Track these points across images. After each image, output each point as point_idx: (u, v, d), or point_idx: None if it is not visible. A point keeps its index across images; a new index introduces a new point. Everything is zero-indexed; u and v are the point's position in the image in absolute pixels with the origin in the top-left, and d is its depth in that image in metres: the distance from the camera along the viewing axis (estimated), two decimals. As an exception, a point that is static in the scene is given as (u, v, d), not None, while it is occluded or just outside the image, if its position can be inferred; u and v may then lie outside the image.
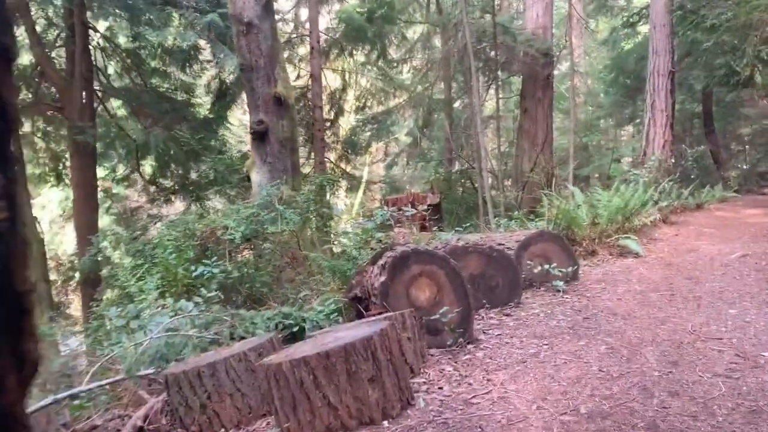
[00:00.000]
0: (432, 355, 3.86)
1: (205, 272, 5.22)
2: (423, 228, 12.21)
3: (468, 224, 14.78)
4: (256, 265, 6.42)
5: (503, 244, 6.45)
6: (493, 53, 18.46)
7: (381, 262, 4.18)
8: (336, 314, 4.57)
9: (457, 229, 8.04)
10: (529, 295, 5.73)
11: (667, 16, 13.01)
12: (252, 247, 6.75)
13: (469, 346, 3.98)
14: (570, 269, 6.06)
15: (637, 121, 21.61)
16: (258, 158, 8.41)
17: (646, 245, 7.77)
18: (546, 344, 3.97)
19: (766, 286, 5.42)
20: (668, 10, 12.99)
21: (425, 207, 8.89)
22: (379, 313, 3.91)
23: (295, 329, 4.45)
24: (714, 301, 5.04)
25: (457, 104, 21.12)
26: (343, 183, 19.24)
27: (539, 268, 5.96)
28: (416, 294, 4.03)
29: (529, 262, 6.03)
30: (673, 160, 12.76)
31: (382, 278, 4.00)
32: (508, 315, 4.84)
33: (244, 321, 4.40)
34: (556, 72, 21.62)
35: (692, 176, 13.83)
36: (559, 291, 5.78)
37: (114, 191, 16.82)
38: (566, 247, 6.30)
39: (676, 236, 8.56)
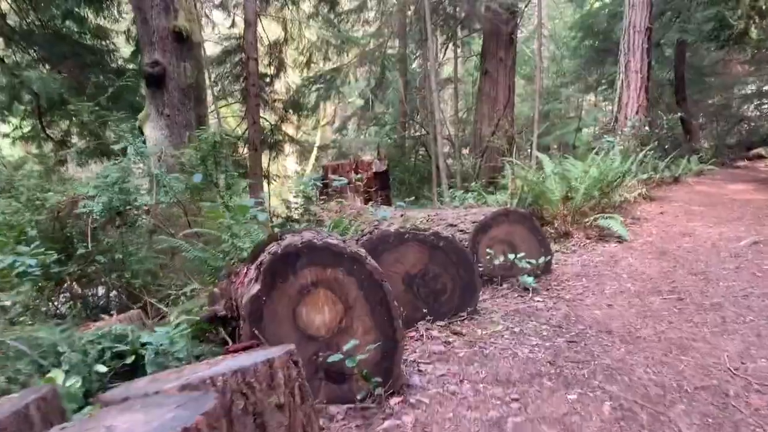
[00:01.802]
0: (331, 421, 2.32)
1: (16, 264, 3.53)
2: (368, 200, 10.68)
3: (420, 196, 13.29)
4: (125, 249, 4.73)
5: (455, 225, 4.93)
6: (451, 8, 16.88)
7: (261, 259, 2.59)
8: (195, 334, 2.98)
9: (399, 204, 6.52)
10: (489, 296, 4.24)
11: (646, -36, 11.55)
12: (124, 223, 5.05)
13: (393, 402, 2.45)
14: (541, 259, 4.59)
15: (603, 88, 20.32)
16: (153, 109, 6.66)
17: (629, 226, 6.38)
18: (516, 399, 2.46)
19: (803, 288, 4.06)
20: (648, -42, 11.52)
21: (358, 176, 7.28)
22: (247, 348, 2.34)
23: (130, 359, 2.85)
24: (742, 312, 3.63)
25: (414, 65, 19.47)
26: (288, 147, 17.47)
27: (502, 258, 4.47)
28: (309, 316, 2.46)
29: (488, 250, 4.52)
30: (647, 128, 11.43)
31: (254, 289, 2.42)
32: (458, 334, 3.32)
33: (40, 347, 2.78)
34: (519, 35, 20.12)
35: (666, 146, 12.61)
36: (527, 290, 4.31)
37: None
38: (536, 231, 4.82)
39: (662, 215, 7.21)
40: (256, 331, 2.39)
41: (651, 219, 6.89)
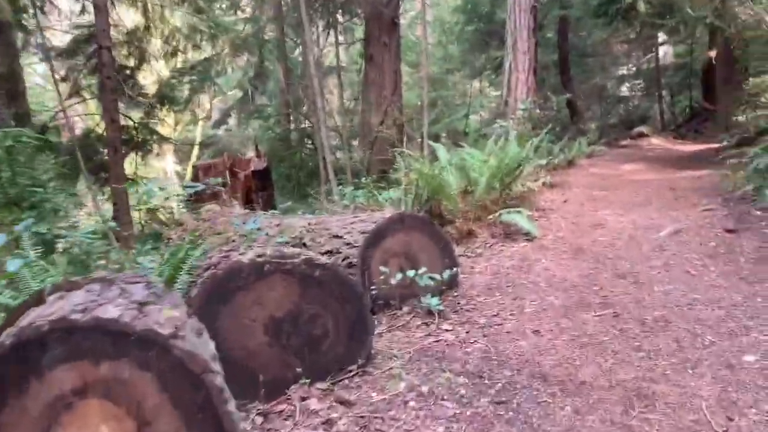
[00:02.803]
0: None
1: None
2: (248, 201, 9.51)
3: (307, 194, 12.23)
4: None
5: (341, 237, 3.98)
6: (330, -9, 15.94)
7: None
8: None
9: (273, 211, 5.50)
10: (386, 327, 3.33)
11: (529, -60, 11.10)
12: None
13: None
14: (446, 273, 3.74)
15: (488, 72, 20.10)
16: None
17: (536, 220, 5.71)
18: None
19: (749, 288, 3.45)
20: (530, -67, 11.09)
21: (221, 178, 6.24)
22: None
23: None
24: (695, 329, 2.94)
25: (296, 52, 18.33)
26: (160, 146, 15.79)
27: (399, 275, 3.56)
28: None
29: (382, 268, 3.60)
30: (538, 111, 11.04)
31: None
32: (345, 403, 2.37)
33: None
34: (403, 20, 19.46)
35: (557, 129, 12.34)
36: (432, 314, 3.44)
37: None
38: (438, 237, 3.96)
39: (566, 203, 6.63)
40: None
41: (556, 209, 6.28)
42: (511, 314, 3.38)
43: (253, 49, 17.26)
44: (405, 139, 14.59)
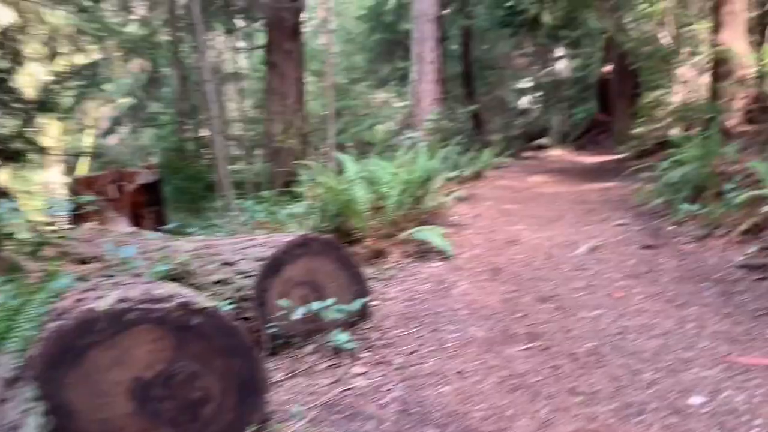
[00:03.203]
0: None
1: None
2: (137, 217, 8.65)
3: (203, 209, 11.42)
4: None
5: (234, 264, 3.44)
6: (229, -6, 15.23)
7: None
8: None
9: (161, 230, 4.86)
10: (286, 373, 2.83)
11: (433, -52, 10.97)
12: None
13: None
14: (357, 303, 3.29)
15: (394, 83, 19.95)
16: None
17: (450, 236, 5.38)
18: None
19: (678, 312, 3.22)
20: (434, -59, 10.96)
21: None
22: None
23: None
24: (631, 364, 2.64)
25: (193, 57, 17.37)
26: (39, 157, 14.37)
27: (302, 309, 3.07)
28: None
29: (282, 302, 3.09)
30: (445, 121, 10.89)
31: None
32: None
33: None
34: (306, 29, 18.96)
35: (464, 140, 12.25)
36: (339, 352, 2.98)
37: None
38: (347, 262, 3.50)
39: (478, 217, 6.38)
40: None
41: (469, 224, 6.00)
42: (430, 350, 2.98)
43: (146, 54, 16.23)
44: (310, 149, 14.12)
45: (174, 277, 3.83)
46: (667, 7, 9.65)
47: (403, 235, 5.01)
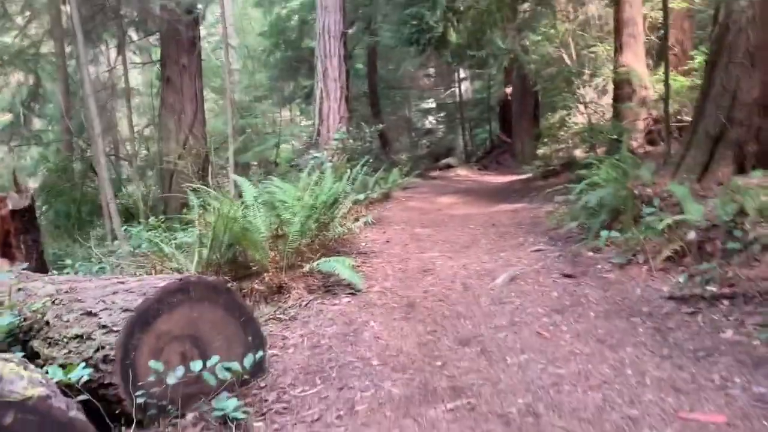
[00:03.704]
0: None
1: None
2: (7, 247, 7.60)
3: (85, 237, 10.36)
4: None
5: (97, 314, 2.80)
6: (120, 4, 14.20)
7: None
8: None
9: (11, 269, 4.10)
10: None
11: (337, -37, 10.61)
12: None
13: None
14: (249, 359, 2.74)
15: (299, 101, 19.41)
16: None
17: (360, 267, 4.92)
18: None
19: (613, 354, 2.90)
20: (338, -46, 10.61)
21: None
22: None
23: None
24: (574, 428, 2.25)
25: (79, 71, 16.06)
26: None
27: (179, 371, 2.48)
28: None
29: (153, 364, 2.49)
30: (352, 141, 10.49)
31: None
32: None
33: None
34: (206, 45, 18.09)
35: (371, 160, 11.88)
36: (227, 422, 2.42)
37: None
38: (239, 308, 2.95)
39: (389, 244, 5.96)
40: None
41: (380, 252, 5.56)
42: (338, 417, 2.48)
43: (27, 67, 14.90)
44: (210, 170, 13.33)
45: (26, 330, 3.15)
46: (568, 29, 9.77)
47: (307, 267, 4.49)
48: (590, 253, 4.63)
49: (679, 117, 8.06)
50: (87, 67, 8.20)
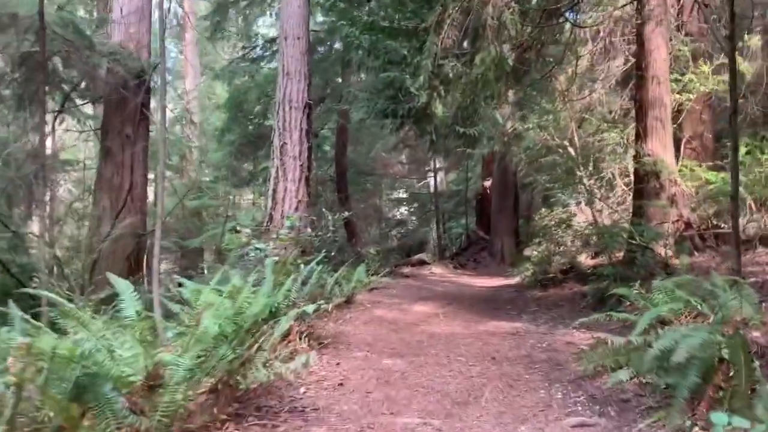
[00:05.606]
0: None
1: None
2: None
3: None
4: None
5: None
6: (61, 66, 12.61)
7: None
8: None
9: None
10: None
11: (303, 26, 9.15)
12: None
13: None
14: None
15: (258, 183, 17.68)
16: None
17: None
18: None
19: None
20: (305, 17, 9.17)
21: None
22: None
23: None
24: None
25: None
26: None
27: None
28: None
29: None
30: (309, 229, 8.67)
31: None
32: None
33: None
34: (166, 118, 16.50)
35: (332, 253, 10.05)
36: None
37: None
38: None
39: (342, 388, 3.99)
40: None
41: (325, 408, 3.56)
42: None
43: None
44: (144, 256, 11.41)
45: None
46: (572, 113, 8.35)
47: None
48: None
49: (714, 221, 6.49)
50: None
